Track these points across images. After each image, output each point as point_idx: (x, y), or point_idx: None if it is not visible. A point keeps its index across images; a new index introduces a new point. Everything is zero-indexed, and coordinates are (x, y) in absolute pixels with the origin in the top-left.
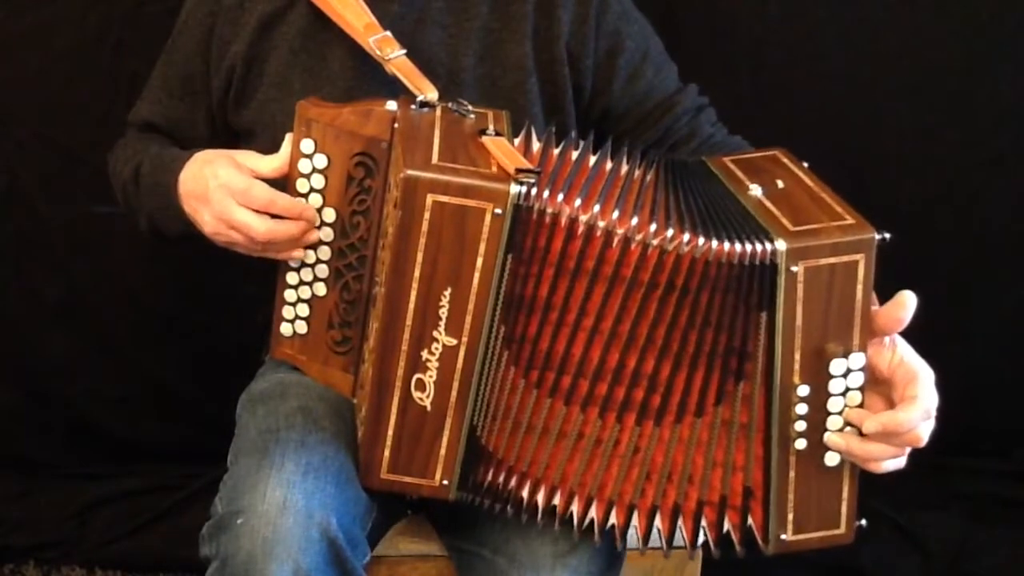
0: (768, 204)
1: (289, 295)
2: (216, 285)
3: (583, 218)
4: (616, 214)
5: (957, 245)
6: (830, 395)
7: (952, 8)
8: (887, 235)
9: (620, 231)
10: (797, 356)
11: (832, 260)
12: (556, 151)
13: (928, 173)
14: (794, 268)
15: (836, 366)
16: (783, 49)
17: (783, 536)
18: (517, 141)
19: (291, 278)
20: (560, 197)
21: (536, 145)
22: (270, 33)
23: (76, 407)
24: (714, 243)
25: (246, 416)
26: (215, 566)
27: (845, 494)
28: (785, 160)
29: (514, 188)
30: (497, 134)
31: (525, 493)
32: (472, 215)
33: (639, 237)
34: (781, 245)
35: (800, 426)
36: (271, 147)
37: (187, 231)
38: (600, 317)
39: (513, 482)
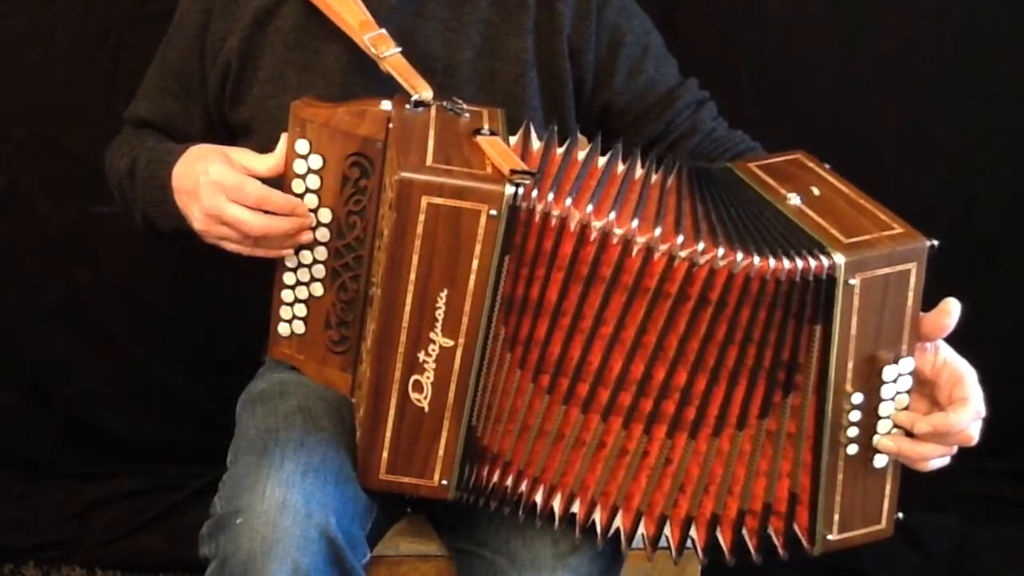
0: (811, 214)
1: (286, 295)
2: (216, 285)
3: (596, 224)
4: (636, 222)
5: (957, 245)
6: (881, 400)
7: (952, 8)
8: (936, 242)
9: (641, 240)
10: (850, 365)
11: (887, 270)
12: (560, 151)
13: (928, 173)
14: (852, 281)
15: (888, 372)
16: (783, 49)
17: (828, 536)
18: (514, 140)
19: (288, 278)
20: (568, 200)
21: (536, 144)
22: (264, 28)
23: (76, 407)
24: (756, 259)
25: (246, 416)
26: (214, 566)
27: (888, 491)
28: (811, 164)
29: (508, 189)
30: (492, 133)
31: (539, 498)
32: (467, 217)
33: (664, 248)
34: (840, 259)
35: (852, 432)
36: (269, 143)
37: (180, 227)
38: (621, 326)
39: (524, 486)
